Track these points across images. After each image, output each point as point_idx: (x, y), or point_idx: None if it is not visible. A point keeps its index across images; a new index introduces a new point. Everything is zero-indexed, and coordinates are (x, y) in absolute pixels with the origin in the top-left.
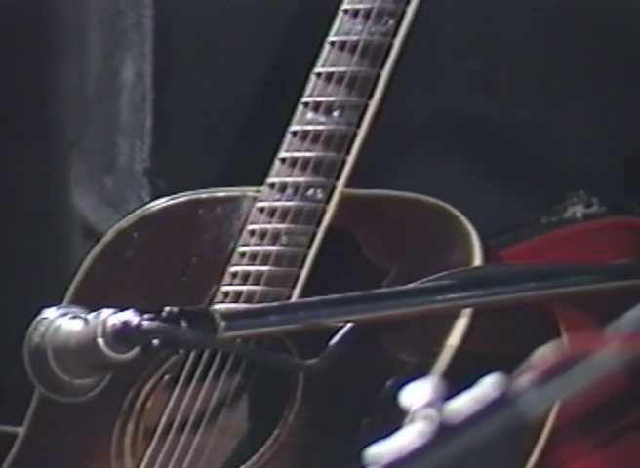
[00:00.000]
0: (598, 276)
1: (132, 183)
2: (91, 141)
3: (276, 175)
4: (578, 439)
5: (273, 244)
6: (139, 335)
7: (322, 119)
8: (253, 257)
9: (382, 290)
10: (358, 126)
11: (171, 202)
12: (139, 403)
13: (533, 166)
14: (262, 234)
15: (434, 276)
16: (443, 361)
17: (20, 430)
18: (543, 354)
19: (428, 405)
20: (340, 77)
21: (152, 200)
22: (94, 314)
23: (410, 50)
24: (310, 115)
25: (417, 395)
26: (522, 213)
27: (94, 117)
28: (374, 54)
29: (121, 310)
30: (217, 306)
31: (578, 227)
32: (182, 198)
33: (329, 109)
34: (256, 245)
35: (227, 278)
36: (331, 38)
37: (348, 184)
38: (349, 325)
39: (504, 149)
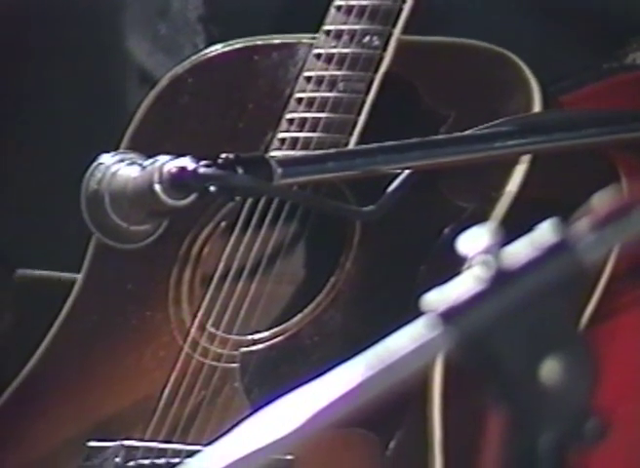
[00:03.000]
0: None
1: (186, 30)
2: None
3: (332, 23)
4: (632, 287)
5: (330, 90)
6: (195, 182)
7: None
8: (309, 104)
9: (441, 136)
10: None
11: (226, 48)
12: (195, 249)
13: (594, 11)
14: (319, 80)
15: (493, 122)
16: (501, 207)
17: (78, 277)
18: (602, 199)
19: (486, 251)
20: None
21: (207, 47)
22: (150, 160)
23: None
24: None
25: (474, 241)
26: (582, 58)
27: None
28: None
29: (177, 156)
30: (273, 153)
31: (638, 73)
32: (238, 44)
33: None
34: (312, 91)
35: (284, 124)
36: None
37: (405, 31)
38: (407, 171)
39: None
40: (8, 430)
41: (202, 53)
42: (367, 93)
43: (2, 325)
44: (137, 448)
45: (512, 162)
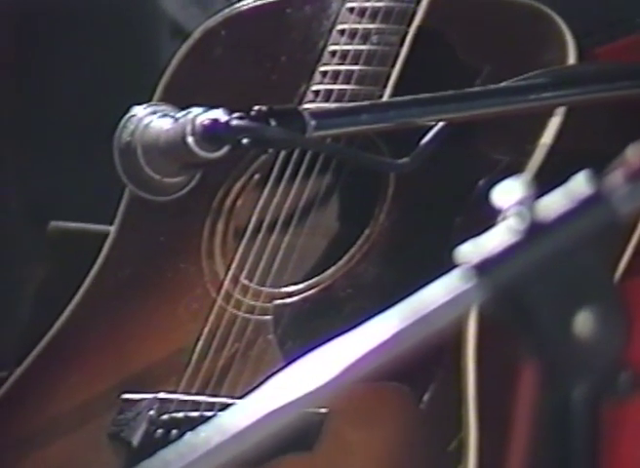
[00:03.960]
0: None
1: None
2: None
3: None
4: None
5: (364, 43)
6: (228, 134)
7: None
8: (343, 56)
9: (475, 88)
10: None
11: (259, 1)
12: (228, 202)
13: None
14: (353, 33)
15: (528, 74)
16: (536, 159)
17: (111, 229)
18: (636, 151)
19: (520, 203)
20: None
21: (239, 0)
22: (183, 112)
23: None
24: None
25: (509, 193)
26: (616, 11)
27: None
28: None
29: (210, 109)
30: (307, 105)
31: None
32: None
33: None
34: (346, 44)
35: (317, 77)
36: None
37: None
38: (441, 124)
39: None
40: (41, 383)
41: (235, 6)
42: (401, 45)
43: (35, 277)
44: (170, 400)
45: (547, 114)
